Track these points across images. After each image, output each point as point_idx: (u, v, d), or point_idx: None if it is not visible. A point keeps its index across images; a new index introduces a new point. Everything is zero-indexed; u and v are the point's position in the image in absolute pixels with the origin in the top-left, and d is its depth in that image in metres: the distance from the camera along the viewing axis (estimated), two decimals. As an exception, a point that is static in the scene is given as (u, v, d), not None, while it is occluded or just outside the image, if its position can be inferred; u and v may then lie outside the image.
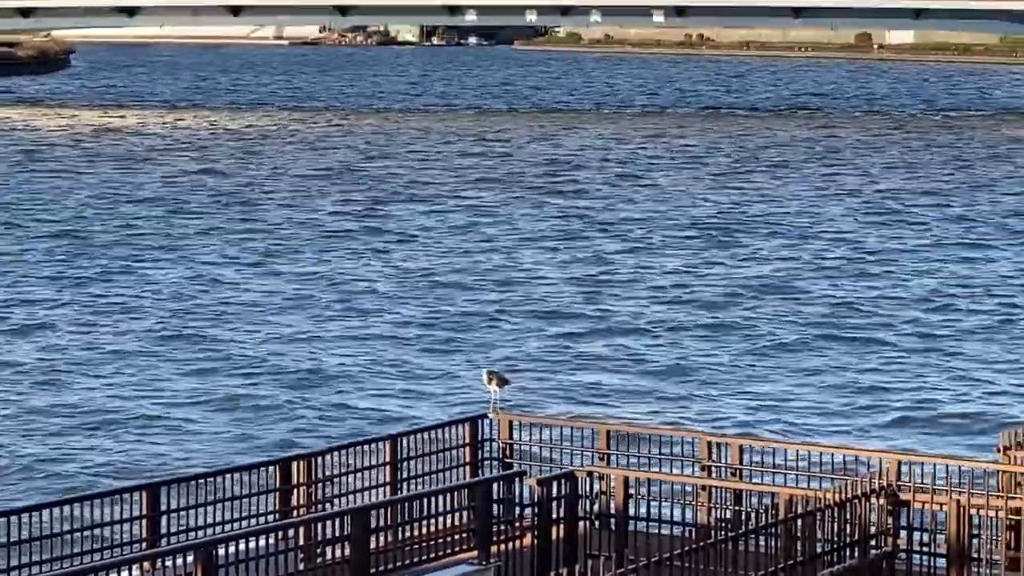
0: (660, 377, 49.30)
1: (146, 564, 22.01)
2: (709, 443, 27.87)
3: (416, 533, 24.45)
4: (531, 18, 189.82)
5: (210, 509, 24.96)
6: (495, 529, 25.14)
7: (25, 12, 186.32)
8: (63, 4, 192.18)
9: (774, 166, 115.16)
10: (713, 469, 27.39)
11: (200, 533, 24.36)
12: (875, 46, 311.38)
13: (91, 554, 23.31)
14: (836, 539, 24.17)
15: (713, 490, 26.18)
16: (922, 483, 25.77)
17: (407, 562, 23.98)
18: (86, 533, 23.49)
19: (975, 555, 24.86)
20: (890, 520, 25.10)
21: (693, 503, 26.24)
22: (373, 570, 23.17)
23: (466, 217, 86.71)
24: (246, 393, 47.37)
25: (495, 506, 25.38)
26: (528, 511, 25.69)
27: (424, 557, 24.21)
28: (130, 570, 21.31)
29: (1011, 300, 62.33)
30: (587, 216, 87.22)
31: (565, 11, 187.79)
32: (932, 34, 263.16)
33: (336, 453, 26.88)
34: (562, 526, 25.18)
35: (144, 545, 24.00)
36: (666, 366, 50.75)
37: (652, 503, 26.43)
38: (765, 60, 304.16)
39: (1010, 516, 24.89)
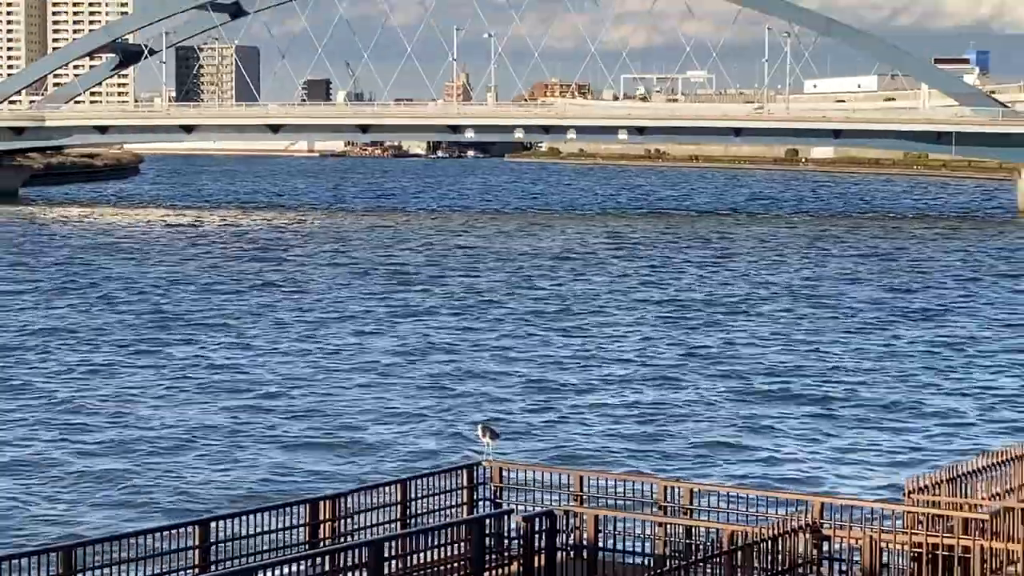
0: (624, 431, 49.15)
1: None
2: (665, 487, 27.77)
3: (422, 561, 24.32)
4: (519, 135, 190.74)
5: (252, 540, 24.85)
6: (487, 558, 25.00)
7: (102, 129, 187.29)
8: (134, 122, 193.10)
9: (719, 257, 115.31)
10: (668, 509, 27.26)
11: (243, 560, 24.26)
12: (802, 159, 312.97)
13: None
14: (770, 568, 24.04)
15: (668, 526, 26.06)
16: (841, 521, 25.66)
17: (414, 586, 23.88)
18: (148, 561, 23.43)
19: (885, 581, 24.77)
20: (814, 552, 24.98)
21: (652, 537, 26.10)
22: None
23: (465, 297, 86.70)
24: (283, 441, 47.22)
25: (488, 539, 25.26)
26: (515, 543, 25.55)
27: (428, 581, 24.09)
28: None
29: (911, 367, 62.23)
30: (564, 296, 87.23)
31: (547, 130, 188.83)
32: (848, 150, 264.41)
33: (356, 495, 26.78)
34: (543, 556, 25.03)
35: (196, 571, 23.92)
36: (629, 422, 50.62)
37: (618, 537, 26.32)
38: (711, 170, 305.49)
39: (913, 549, 24.80)
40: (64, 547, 22.71)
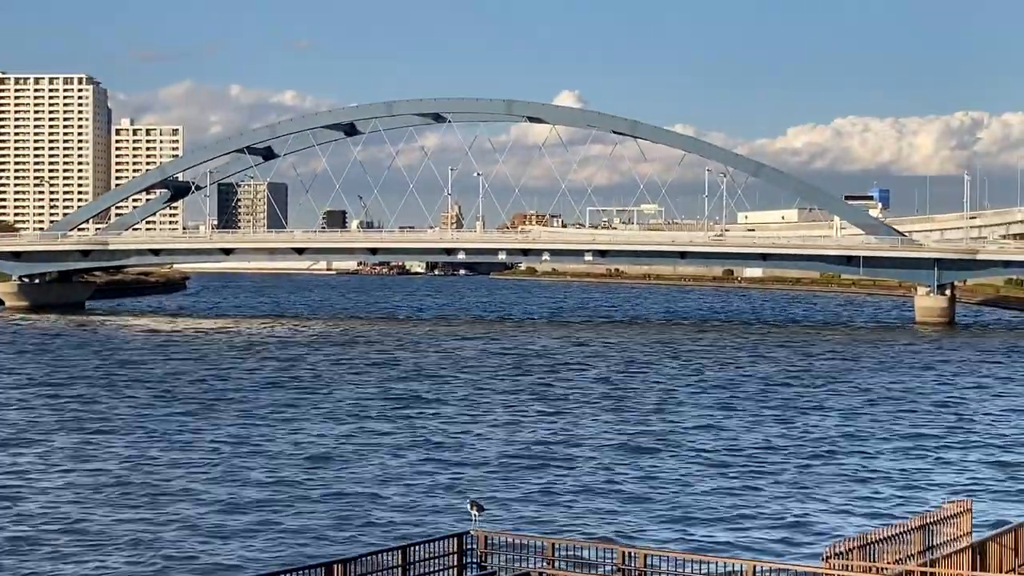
0: (586, 506, 48.82)
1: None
2: (623, 552, 27.57)
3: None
4: (502, 257, 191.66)
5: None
6: (474, 612, 24.74)
7: (156, 252, 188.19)
8: (182, 246, 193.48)
9: (667, 357, 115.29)
10: (625, 571, 27.04)
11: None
12: (736, 278, 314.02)
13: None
14: (711, 620, 23.83)
15: (626, 585, 25.82)
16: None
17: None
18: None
19: (808, 632, 24.55)
20: (748, 607, 24.78)
21: (612, 594, 25.85)
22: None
23: (459, 390, 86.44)
24: (303, 511, 46.81)
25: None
26: (497, 599, 25.32)
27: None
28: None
29: (829, 448, 61.86)
30: (540, 389, 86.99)
31: (525, 252, 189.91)
32: (774, 270, 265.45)
33: (364, 559, 26.53)
34: (521, 610, 24.79)
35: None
36: (590, 498, 50.28)
37: (583, 594, 26.07)
38: (661, 287, 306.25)
39: (831, 604, 24.63)
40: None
